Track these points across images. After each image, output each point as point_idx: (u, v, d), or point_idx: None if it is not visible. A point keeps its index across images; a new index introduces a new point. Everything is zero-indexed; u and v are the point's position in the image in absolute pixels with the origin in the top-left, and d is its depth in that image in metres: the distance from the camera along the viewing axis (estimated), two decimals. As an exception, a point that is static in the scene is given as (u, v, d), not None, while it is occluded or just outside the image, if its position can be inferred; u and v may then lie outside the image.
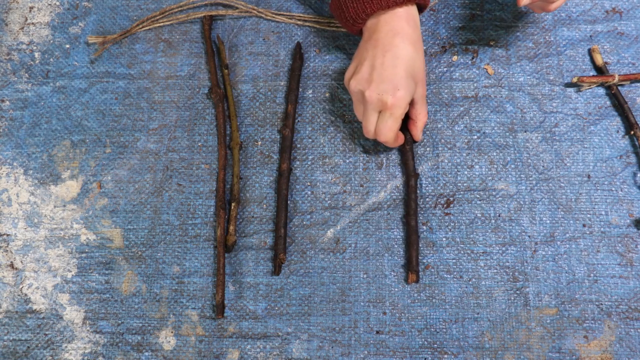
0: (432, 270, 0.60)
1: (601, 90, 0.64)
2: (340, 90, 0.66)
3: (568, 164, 0.62)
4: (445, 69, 0.66)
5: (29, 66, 0.68)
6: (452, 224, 0.61)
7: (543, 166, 0.62)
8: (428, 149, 0.64)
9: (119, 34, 0.68)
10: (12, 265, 0.62)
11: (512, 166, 0.62)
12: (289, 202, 0.63)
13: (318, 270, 0.61)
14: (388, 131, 0.57)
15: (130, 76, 0.67)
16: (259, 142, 0.65)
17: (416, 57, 0.56)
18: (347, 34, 0.67)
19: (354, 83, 0.56)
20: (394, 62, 0.54)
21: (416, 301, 0.59)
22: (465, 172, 0.63)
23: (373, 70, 0.55)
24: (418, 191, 0.62)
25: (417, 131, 0.62)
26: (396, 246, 0.61)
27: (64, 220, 0.63)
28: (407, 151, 0.62)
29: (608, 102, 0.64)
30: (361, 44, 0.58)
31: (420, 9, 0.59)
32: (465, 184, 0.62)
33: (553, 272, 0.59)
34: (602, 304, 0.58)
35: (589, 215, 0.61)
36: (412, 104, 0.59)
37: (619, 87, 0.63)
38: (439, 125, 0.64)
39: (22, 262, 0.62)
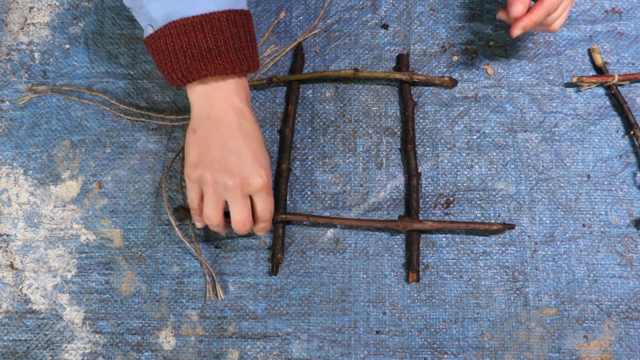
0: (432, 270, 0.60)
1: (601, 90, 0.64)
2: (340, 90, 0.66)
3: (568, 164, 0.62)
4: (445, 69, 0.66)
5: (29, 66, 0.68)
6: (452, 224, 0.61)
7: (543, 166, 0.62)
8: (428, 149, 0.64)
9: (49, 87, 0.68)
10: (12, 266, 0.62)
11: (512, 166, 0.62)
12: (289, 202, 0.63)
13: (318, 270, 0.61)
14: (270, 210, 0.54)
15: (130, 76, 0.67)
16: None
17: (260, 133, 0.53)
18: (348, 34, 0.67)
19: (207, 173, 0.51)
20: (246, 141, 0.51)
21: (416, 301, 0.59)
22: (465, 172, 0.63)
23: (229, 154, 0.50)
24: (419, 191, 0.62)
25: (263, 224, 0.56)
26: (396, 246, 0.61)
27: (64, 221, 0.63)
28: (409, 150, 0.62)
29: (608, 102, 0.64)
30: (195, 124, 0.52)
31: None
32: (465, 184, 0.62)
33: (553, 272, 0.59)
34: (602, 304, 0.58)
35: (588, 215, 0.61)
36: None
37: (619, 87, 0.63)
38: (439, 125, 0.64)
39: (22, 262, 0.62)
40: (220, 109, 0.51)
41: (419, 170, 0.63)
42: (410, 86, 0.64)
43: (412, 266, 0.59)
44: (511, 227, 0.59)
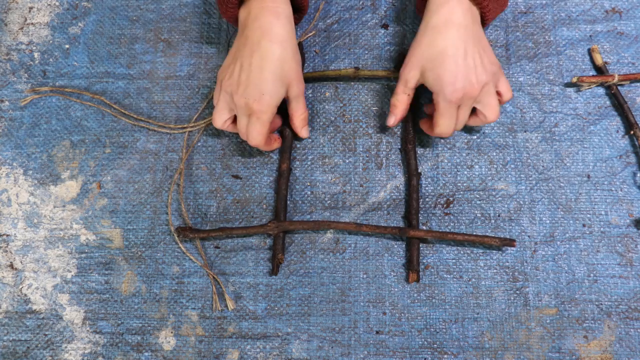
0: (432, 270, 0.60)
1: (601, 90, 0.64)
2: (340, 90, 0.66)
3: (568, 164, 0.62)
4: (445, 69, 0.66)
5: (29, 66, 0.68)
6: (452, 224, 0.61)
7: (543, 166, 0.62)
8: (428, 149, 0.64)
9: (50, 88, 0.68)
10: (11, 266, 0.62)
11: (512, 166, 0.62)
12: (288, 202, 0.63)
13: (318, 270, 0.61)
14: (257, 135, 0.56)
15: (130, 76, 0.67)
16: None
17: (285, 57, 0.54)
18: (347, 34, 0.67)
19: (226, 85, 0.56)
20: (260, 64, 0.54)
21: (416, 301, 0.59)
22: (465, 172, 0.63)
23: (242, 72, 0.54)
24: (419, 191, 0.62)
25: (297, 128, 0.61)
26: (396, 246, 0.61)
27: (64, 221, 0.63)
28: (409, 150, 0.62)
29: (608, 102, 0.64)
30: (236, 38, 0.58)
31: (298, 10, 0.61)
32: (465, 184, 0.62)
33: (553, 272, 0.59)
34: (602, 304, 0.58)
35: (588, 215, 0.61)
36: (287, 102, 0.59)
37: (619, 87, 0.63)
38: (439, 125, 0.64)
39: (21, 262, 0.62)
40: (250, 29, 0.55)
41: (419, 171, 0.62)
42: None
43: (412, 266, 0.59)
44: (511, 243, 0.58)
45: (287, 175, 0.62)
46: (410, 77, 0.56)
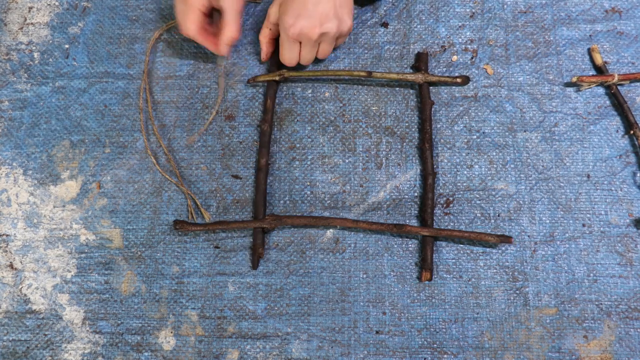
0: (432, 269, 0.60)
1: (601, 90, 0.64)
2: (340, 90, 0.66)
3: (567, 164, 0.62)
4: (444, 69, 0.66)
5: (28, 66, 0.68)
6: (451, 224, 0.61)
7: (542, 166, 0.62)
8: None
9: None
10: (11, 266, 0.62)
11: (512, 166, 0.62)
12: (288, 202, 0.63)
13: (318, 270, 0.61)
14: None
15: (130, 76, 0.67)
16: (258, 142, 0.65)
17: None
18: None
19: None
20: None
21: (416, 301, 0.59)
22: (465, 172, 0.63)
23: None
24: (418, 191, 0.62)
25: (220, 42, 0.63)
26: (395, 246, 0.61)
27: (64, 221, 0.63)
28: (425, 150, 0.62)
29: (607, 102, 0.64)
30: None
31: None
32: (464, 184, 0.62)
33: (553, 272, 0.59)
34: (601, 304, 0.58)
35: (588, 215, 0.61)
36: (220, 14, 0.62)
37: (619, 87, 0.63)
38: (439, 125, 0.64)
39: (21, 262, 0.62)
40: None
41: (418, 171, 0.62)
42: (429, 86, 0.64)
43: (426, 265, 0.59)
44: (507, 240, 0.58)
45: (266, 171, 0.62)
46: (272, 12, 0.61)
